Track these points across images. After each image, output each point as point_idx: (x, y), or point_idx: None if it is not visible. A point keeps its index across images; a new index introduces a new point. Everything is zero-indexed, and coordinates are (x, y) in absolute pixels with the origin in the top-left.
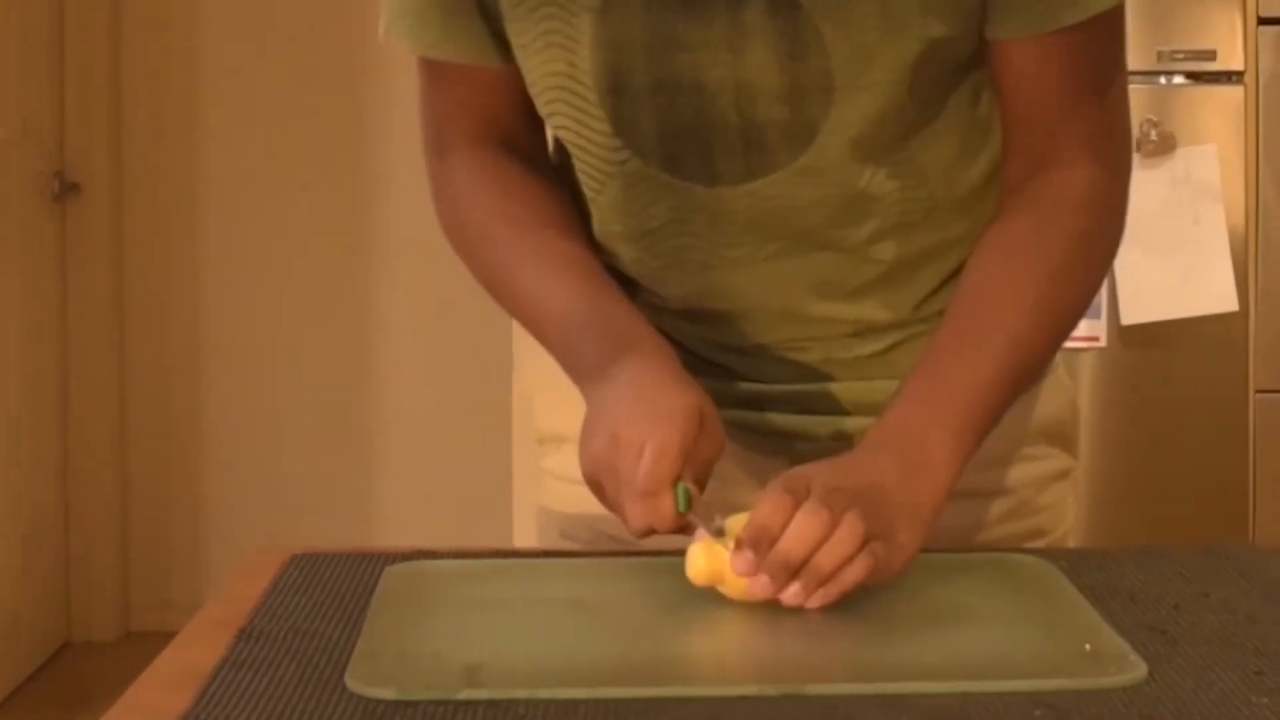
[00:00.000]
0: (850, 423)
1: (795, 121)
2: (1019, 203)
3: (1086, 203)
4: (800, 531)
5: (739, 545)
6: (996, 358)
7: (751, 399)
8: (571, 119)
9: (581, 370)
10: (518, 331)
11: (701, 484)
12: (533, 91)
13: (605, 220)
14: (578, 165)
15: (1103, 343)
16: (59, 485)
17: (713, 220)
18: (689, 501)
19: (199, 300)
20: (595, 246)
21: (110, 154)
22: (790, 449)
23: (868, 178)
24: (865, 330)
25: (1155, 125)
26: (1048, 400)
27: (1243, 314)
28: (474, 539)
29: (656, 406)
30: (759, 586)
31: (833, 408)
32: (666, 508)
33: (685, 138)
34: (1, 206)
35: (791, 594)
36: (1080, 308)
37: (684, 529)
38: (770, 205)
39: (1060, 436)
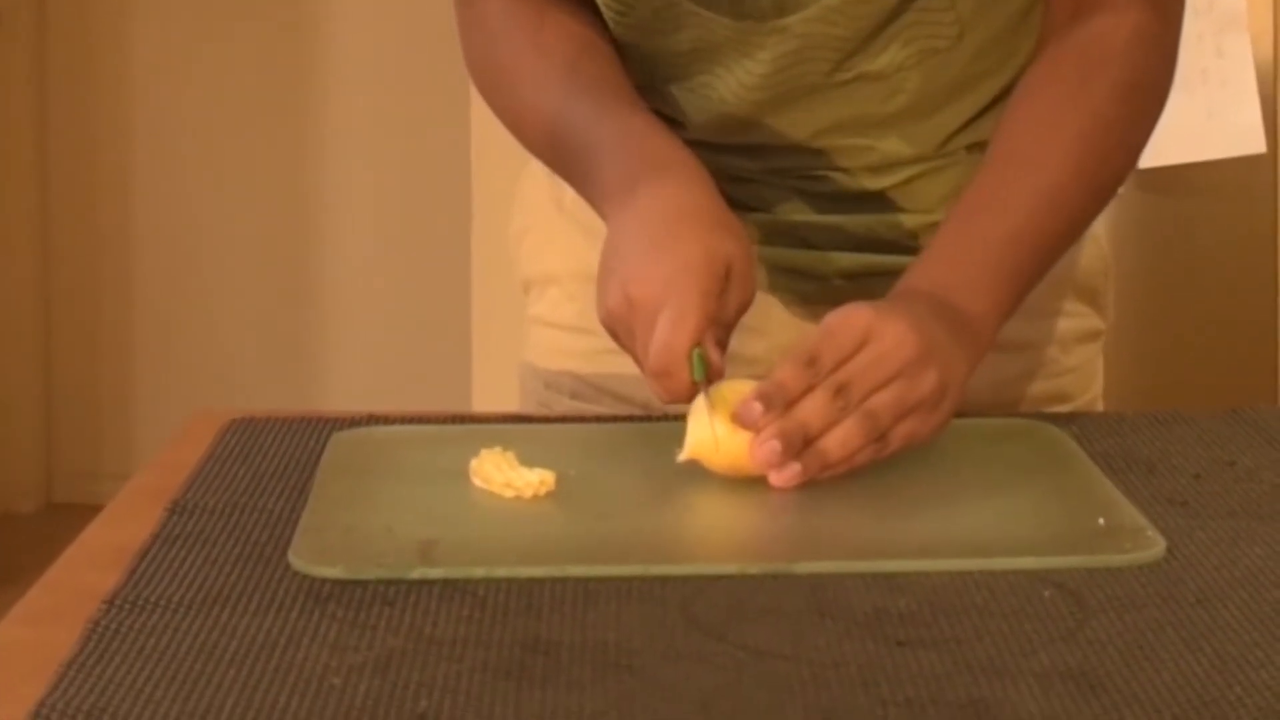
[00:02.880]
0: (857, 259)
1: None
2: (1061, 48)
3: (1133, 50)
4: (817, 407)
5: (749, 398)
6: (1034, 214)
7: (755, 231)
8: None
9: (604, 191)
10: (477, 179)
11: (723, 344)
12: None
13: (626, 45)
14: None
15: (1119, 189)
16: None
17: (737, 59)
18: (705, 369)
19: (130, 143)
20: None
21: None
22: (792, 286)
23: (899, 11)
24: (884, 164)
25: None
26: (1076, 251)
27: (1271, 156)
28: (429, 403)
29: (675, 257)
30: (765, 451)
31: (840, 242)
32: (683, 382)
33: None
34: None
35: (789, 474)
36: (1127, 164)
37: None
38: (797, 44)
39: (1089, 292)
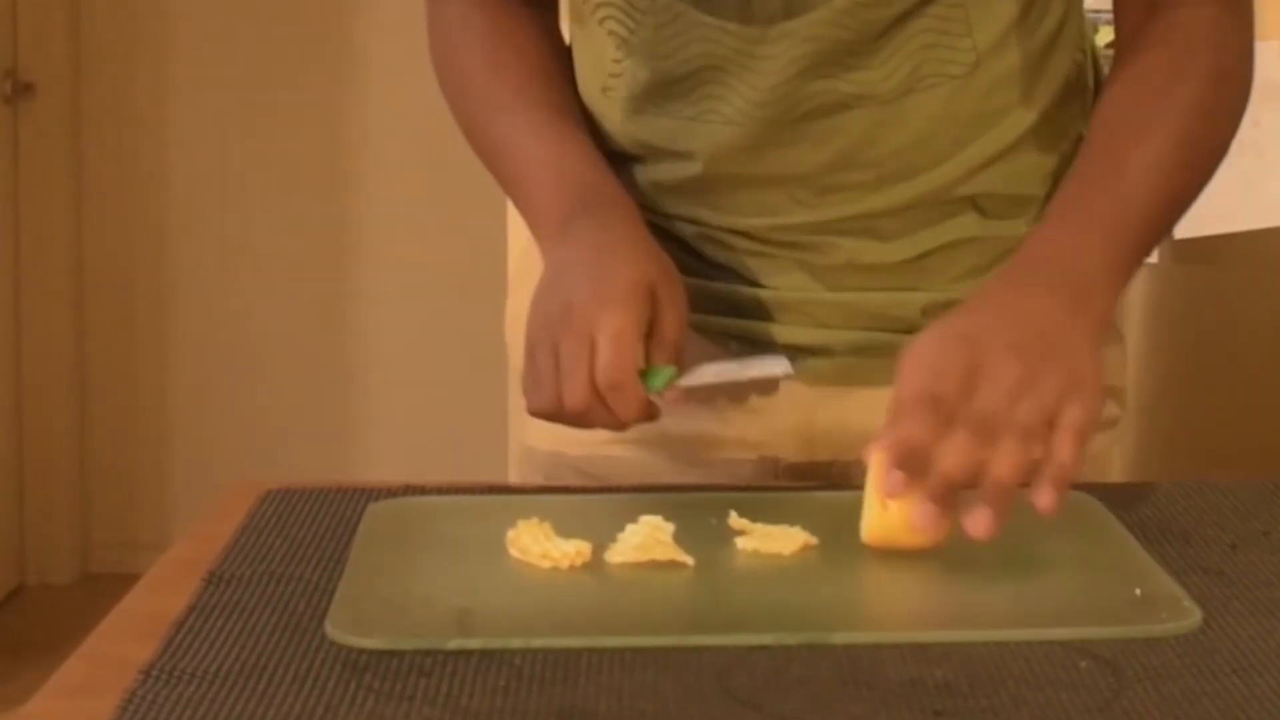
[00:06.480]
0: (870, 337)
1: None
2: (1147, 41)
3: (1217, 41)
4: (959, 457)
5: (888, 468)
6: (1143, 188)
7: (756, 306)
8: None
9: (538, 222)
10: (513, 249)
11: (677, 361)
12: None
13: (634, 68)
14: (607, 7)
15: (1154, 259)
16: (12, 412)
17: (744, 68)
18: (669, 380)
19: (165, 213)
20: (582, 104)
21: (68, 50)
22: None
23: (911, 22)
24: (893, 210)
25: None
26: (1104, 351)
27: None
28: (465, 473)
29: (607, 280)
30: (925, 519)
31: (851, 321)
32: (635, 396)
33: None
34: None
35: (984, 521)
36: (1221, 149)
37: (651, 417)
38: (806, 50)
39: (1109, 388)
